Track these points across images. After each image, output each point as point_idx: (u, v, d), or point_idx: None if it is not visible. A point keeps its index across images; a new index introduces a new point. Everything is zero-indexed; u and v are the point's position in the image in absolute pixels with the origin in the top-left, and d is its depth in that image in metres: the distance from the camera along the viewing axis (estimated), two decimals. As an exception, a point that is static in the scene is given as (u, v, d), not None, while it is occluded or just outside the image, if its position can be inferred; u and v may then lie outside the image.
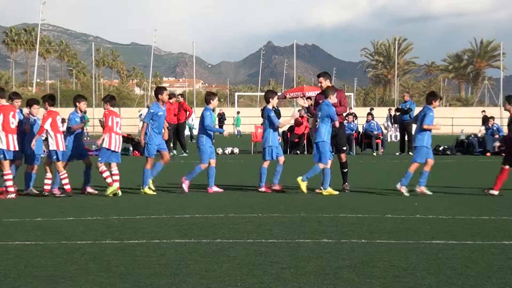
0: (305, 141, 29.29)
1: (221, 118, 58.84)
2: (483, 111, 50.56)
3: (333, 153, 14.81)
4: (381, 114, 49.44)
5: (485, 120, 46.65)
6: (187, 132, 36.74)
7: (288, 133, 29.97)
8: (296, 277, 6.81)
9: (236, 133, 59.18)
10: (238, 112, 61.90)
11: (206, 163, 14.60)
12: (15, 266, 7.37)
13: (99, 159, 14.17)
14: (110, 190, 13.91)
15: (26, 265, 7.40)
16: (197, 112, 64.61)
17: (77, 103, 14.63)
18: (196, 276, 6.88)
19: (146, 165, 14.39)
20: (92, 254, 7.96)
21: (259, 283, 6.60)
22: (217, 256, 7.85)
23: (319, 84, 15.16)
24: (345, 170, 14.76)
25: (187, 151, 28.40)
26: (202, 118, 14.76)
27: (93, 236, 9.23)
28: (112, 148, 14.14)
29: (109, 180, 13.98)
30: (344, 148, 14.95)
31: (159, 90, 14.91)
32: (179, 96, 29.83)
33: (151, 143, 14.47)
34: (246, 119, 59.76)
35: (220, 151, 29.72)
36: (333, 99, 14.31)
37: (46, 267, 7.29)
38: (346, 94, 15.41)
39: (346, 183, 14.74)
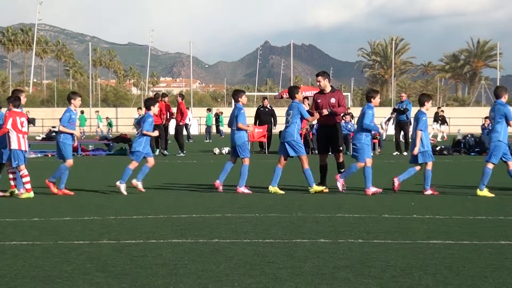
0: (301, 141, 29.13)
1: (218, 118, 58.82)
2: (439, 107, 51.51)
3: (329, 153, 14.95)
4: (378, 114, 49.50)
5: (437, 116, 47.05)
6: (184, 132, 36.67)
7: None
8: (293, 277, 6.81)
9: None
10: (221, 113, 61.97)
11: (364, 160, 14.16)
12: (12, 266, 7.37)
13: (16, 162, 13.82)
14: (26, 195, 13.75)
15: (23, 265, 7.39)
16: (193, 112, 64.70)
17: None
18: (193, 276, 6.88)
19: (278, 164, 14.38)
20: (89, 254, 7.96)
21: (256, 283, 6.61)
22: (214, 256, 7.85)
23: (318, 83, 15.22)
24: (342, 170, 14.80)
25: (184, 151, 28.38)
26: (363, 117, 14.23)
27: (90, 236, 9.23)
28: (23, 148, 13.96)
29: (28, 186, 13.82)
30: (341, 148, 15.02)
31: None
32: (178, 96, 29.89)
33: None
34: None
35: (217, 151, 29.72)
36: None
37: (43, 267, 7.29)
38: (343, 94, 15.36)
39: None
